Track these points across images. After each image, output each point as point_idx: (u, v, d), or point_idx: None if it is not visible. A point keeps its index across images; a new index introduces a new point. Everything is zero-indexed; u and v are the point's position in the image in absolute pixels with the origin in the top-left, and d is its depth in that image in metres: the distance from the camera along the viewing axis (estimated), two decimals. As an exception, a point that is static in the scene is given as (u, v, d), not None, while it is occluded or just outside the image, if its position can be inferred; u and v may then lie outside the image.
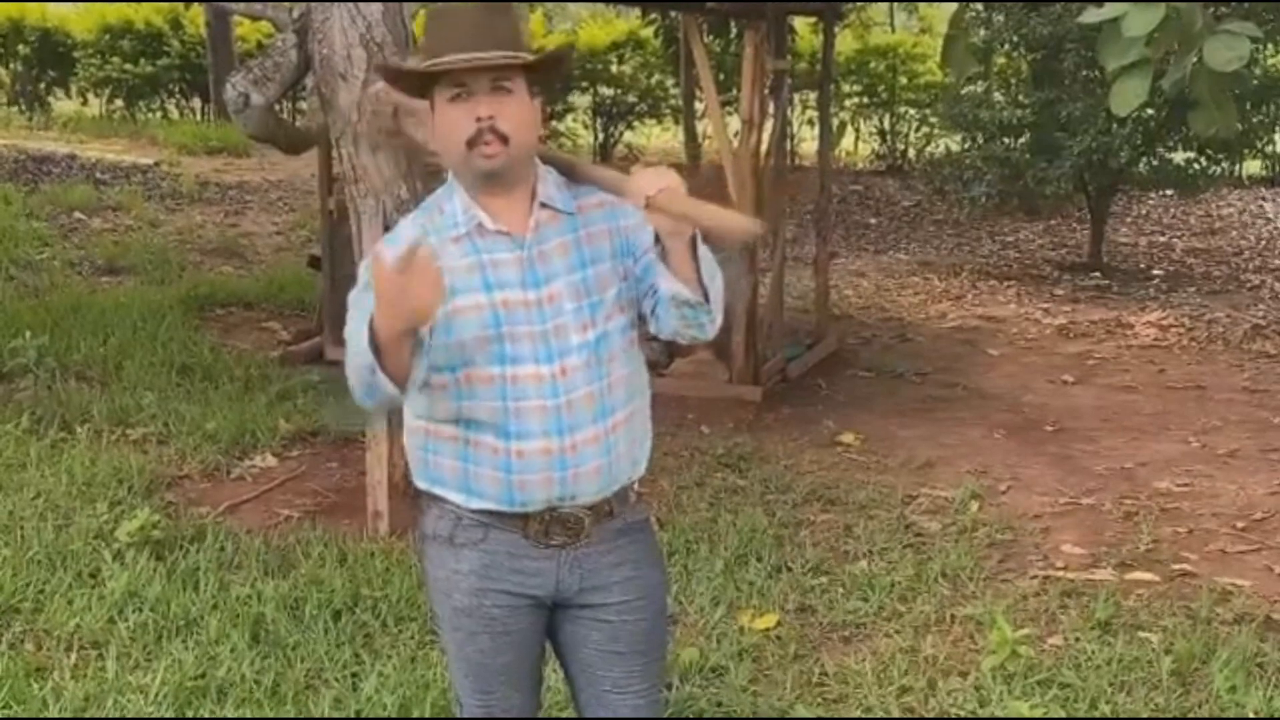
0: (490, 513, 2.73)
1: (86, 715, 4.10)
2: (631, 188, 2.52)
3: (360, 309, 2.58)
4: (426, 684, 4.24)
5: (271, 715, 4.11)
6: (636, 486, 2.86)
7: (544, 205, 2.70)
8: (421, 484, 2.82)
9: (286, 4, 6.51)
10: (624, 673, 2.85)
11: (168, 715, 4.09)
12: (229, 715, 4.11)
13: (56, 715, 4.08)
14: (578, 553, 2.77)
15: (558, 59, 2.80)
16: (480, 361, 2.65)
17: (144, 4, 20.47)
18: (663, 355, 8.07)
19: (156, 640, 4.54)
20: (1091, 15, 3.84)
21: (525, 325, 2.66)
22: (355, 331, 2.57)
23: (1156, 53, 3.77)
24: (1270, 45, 11.90)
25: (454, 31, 2.61)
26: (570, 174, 2.76)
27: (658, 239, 2.57)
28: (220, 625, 4.61)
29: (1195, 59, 3.73)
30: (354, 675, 4.35)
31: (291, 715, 4.13)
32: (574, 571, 2.78)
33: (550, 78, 2.81)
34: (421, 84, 2.70)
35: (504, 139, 2.59)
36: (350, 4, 5.58)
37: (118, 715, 4.10)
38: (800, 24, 15.76)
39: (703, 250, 2.57)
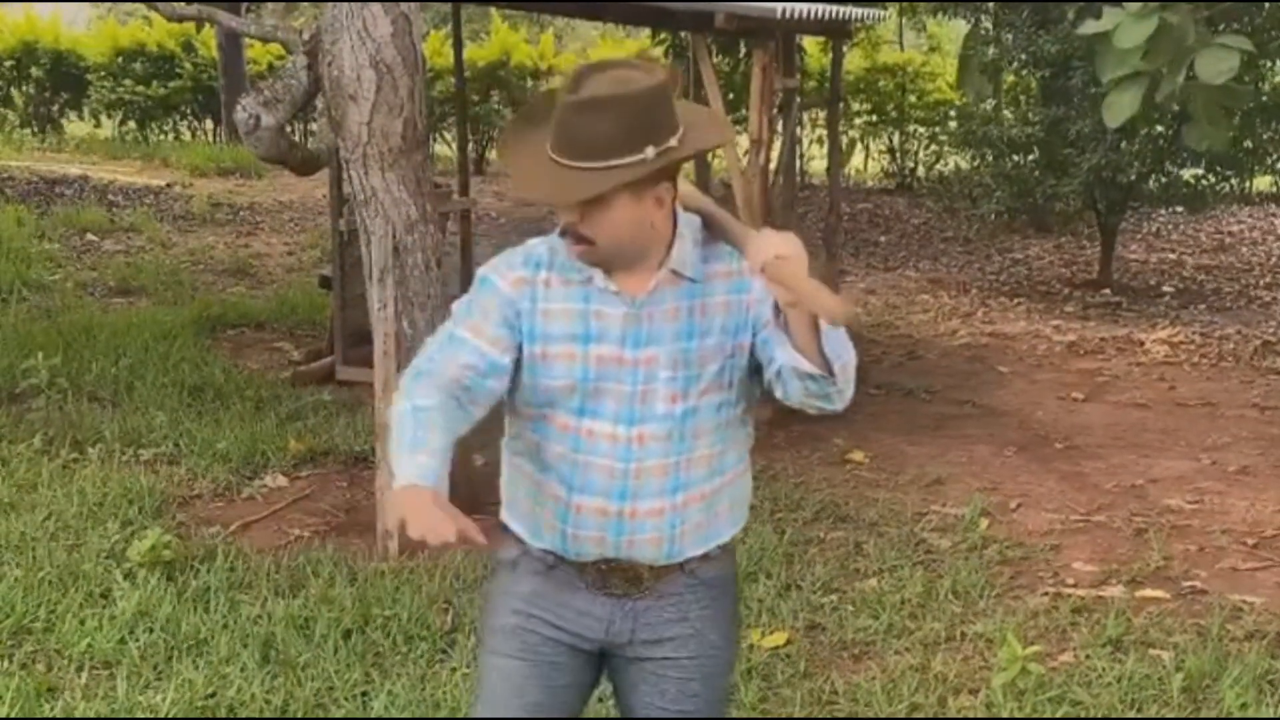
0: (552, 553, 2.70)
1: (97, 735, 4.11)
2: (751, 248, 2.47)
3: (443, 342, 2.66)
4: (436, 703, 4.25)
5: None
6: (726, 543, 2.79)
7: (672, 271, 2.61)
8: (503, 515, 2.79)
9: (297, 27, 6.55)
10: None
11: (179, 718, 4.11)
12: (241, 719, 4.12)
13: (68, 735, 4.09)
14: (637, 603, 2.71)
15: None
16: (561, 407, 2.62)
17: (157, 26, 20.56)
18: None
19: (167, 660, 4.55)
20: (1088, 27, 3.87)
21: (614, 383, 2.59)
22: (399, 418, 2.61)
23: (1151, 66, 3.79)
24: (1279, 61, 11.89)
25: (553, 140, 2.51)
26: (709, 224, 2.66)
27: (778, 309, 2.50)
28: (230, 645, 4.62)
29: (1189, 74, 3.75)
30: (364, 694, 4.35)
31: (302, 734, 4.13)
32: (628, 620, 2.72)
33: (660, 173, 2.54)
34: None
35: (590, 241, 2.53)
36: (359, 28, 5.62)
37: (129, 735, 4.12)
38: (809, 43, 15.80)
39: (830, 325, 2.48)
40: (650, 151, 2.45)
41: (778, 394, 2.64)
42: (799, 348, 2.49)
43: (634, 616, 2.72)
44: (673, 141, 2.49)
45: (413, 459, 2.50)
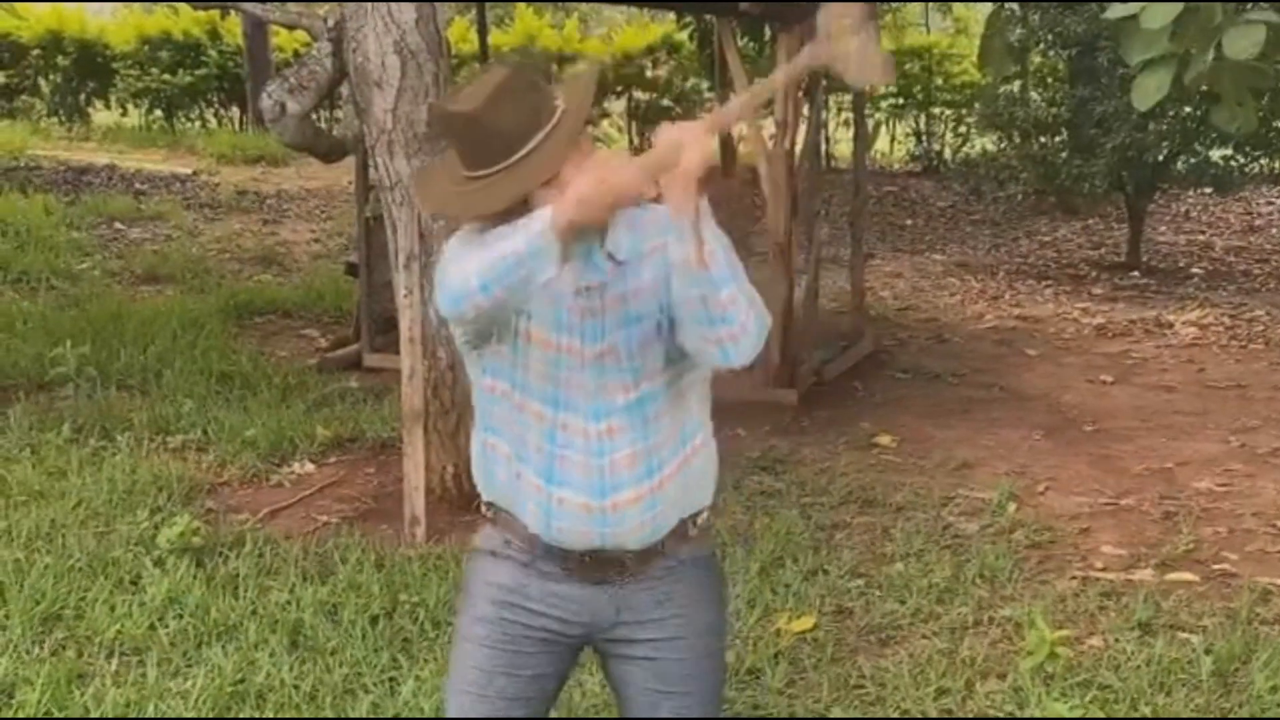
0: (535, 542, 2.70)
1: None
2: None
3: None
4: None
5: (310, 720, 4.14)
6: (701, 520, 2.79)
7: (609, 255, 2.62)
8: (485, 496, 2.80)
9: (321, 13, 6.56)
10: (670, 712, 2.78)
11: (207, 718, 4.12)
12: (268, 718, 4.14)
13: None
14: (619, 588, 2.72)
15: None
16: (536, 396, 2.63)
17: (182, 15, 20.61)
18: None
19: (196, 646, 4.57)
20: (1115, 11, 3.83)
21: (580, 375, 2.61)
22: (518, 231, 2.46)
23: (1179, 47, 3.76)
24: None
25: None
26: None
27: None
28: (259, 631, 4.64)
29: (1216, 54, 3.72)
30: (391, 680, 4.37)
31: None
32: (611, 605, 2.73)
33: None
34: None
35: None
36: (384, 14, 5.62)
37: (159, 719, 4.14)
38: (835, 25, 15.72)
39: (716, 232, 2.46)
40: (558, 104, 2.55)
41: (677, 338, 2.61)
42: (681, 235, 2.44)
43: (617, 601, 2.73)
44: (559, 101, 2.57)
45: None
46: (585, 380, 2.62)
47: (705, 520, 2.81)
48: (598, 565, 2.70)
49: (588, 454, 2.62)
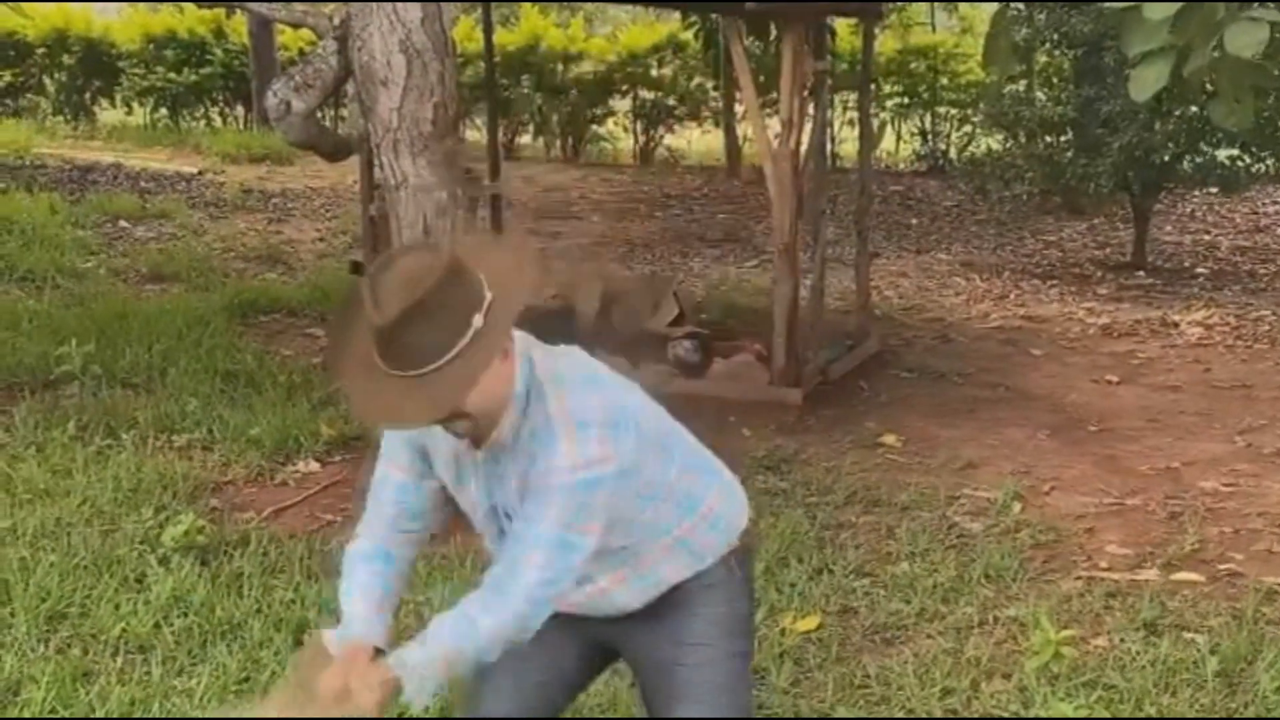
0: None
1: (132, 718, 4.14)
2: None
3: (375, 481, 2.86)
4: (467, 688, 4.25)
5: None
6: (714, 560, 2.88)
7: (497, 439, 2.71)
8: None
9: (327, 12, 6.56)
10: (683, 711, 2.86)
11: (212, 718, 4.13)
12: (270, 717, 4.13)
13: (103, 718, 4.12)
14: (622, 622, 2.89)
15: None
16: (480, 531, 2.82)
17: (188, 13, 20.62)
18: (697, 355, 8.08)
19: (201, 644, 4.58)
20: (1117, 2, 3.83)
21: (491, 522, 2.78)
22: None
23: (1180, 40, 3.75)
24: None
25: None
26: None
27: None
28: (264, 629, 4.64)
29: (1217, 49, 3.71)
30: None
31: (335, 718, 4.14)
32: (617, 629, 2.89)
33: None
34: None
35: (469, 416, 2.58)
36: (390, 13, 5.62)
37: (163, 718, 4.14)
38: (840, 25, 15.71)
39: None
40: (477, 320, 2.46)
41: None
42: None
43: (623, 628, 2.88)
44: (488, 295, 2.49)
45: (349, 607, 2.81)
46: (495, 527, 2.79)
47: (714, 566, 2.88)
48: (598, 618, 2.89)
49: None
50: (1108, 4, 4.08)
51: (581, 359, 2.71)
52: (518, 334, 2.62)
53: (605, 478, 2.56)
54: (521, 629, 2.62)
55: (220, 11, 19.90)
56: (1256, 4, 3.67)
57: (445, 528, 2.91)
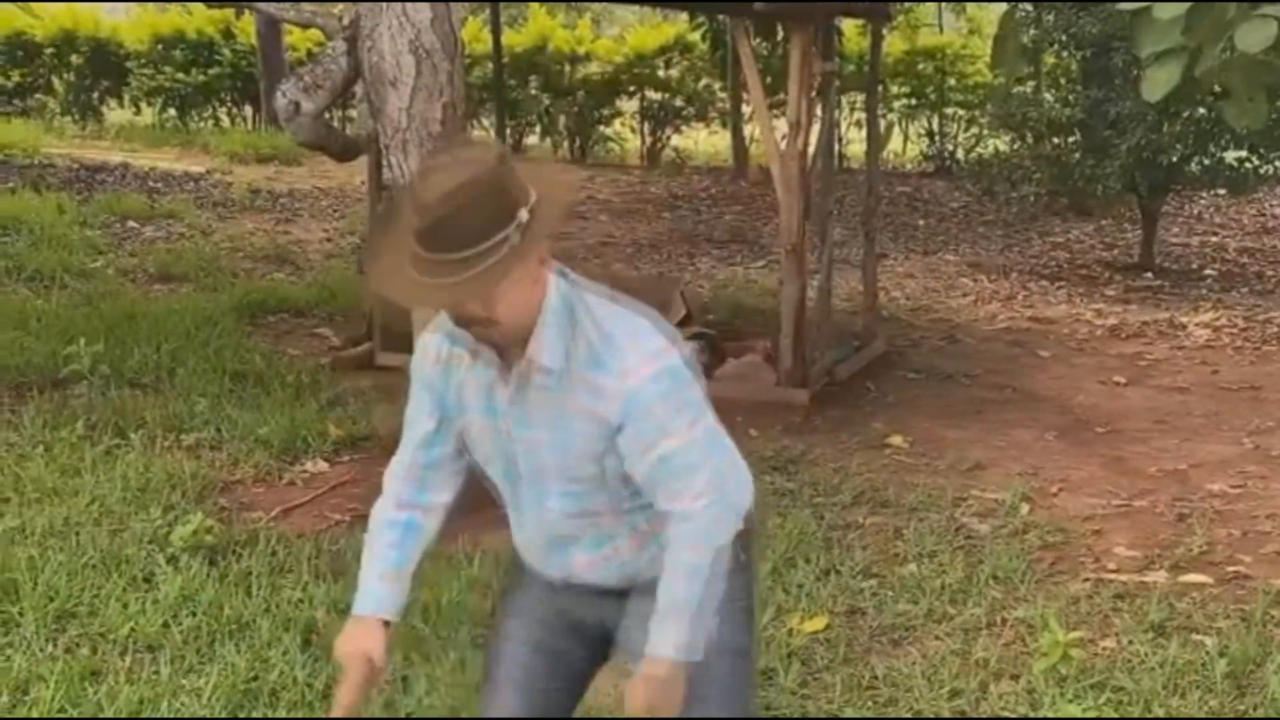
0: None
1: (141, 718, 4.14)
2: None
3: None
4: (475, 687, 4.24)
5: (323, 718, 4.14)
6: None
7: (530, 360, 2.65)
8: None
9: (336, 12, 6.57)
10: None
11: (220, 718, 4.13)
12: (281, 718, 4.14)
13: (111, 718, 4.12)
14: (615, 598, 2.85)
15: None
16: (492, 473, 2.80)
17: (196, 14, 20.66)
18: (704, 355, 8.07)
19: (209, 644, 4.58)
20: (1128, 4, 3.84)
21: (515, 462, 2.74)
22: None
23: (1191, 41, 3.76)
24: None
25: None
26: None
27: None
28: (272, 629, 4.64)
29: (1228, 49, 3.72)
30: (404, 678, 4.37)
31: (343, 718, 4.15)
32: (610, 608, 2.85)
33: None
34: None
35: (493, 320, 2.54)
36: (399, 13, 5.63)
37: (171, 718, 4.14)
38: (848, 26, 15.73)
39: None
40: (523, 214, 2.44)
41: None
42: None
43: (617, 607, 2.85)
44: (534, 194, 2.48)
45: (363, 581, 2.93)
46: (518, 465, 2.75)
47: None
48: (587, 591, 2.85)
49: (538, 532, 2.80)
50: (1116, 5, 4.08)
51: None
52: (556, 300, 2.59)
53: (676, 364, 2.59)
54: (731, 529, 2.71)
55: (229, 12, 19.94)
56: (1267, 3, 3.67)
57: (462, 494, 2.93)
